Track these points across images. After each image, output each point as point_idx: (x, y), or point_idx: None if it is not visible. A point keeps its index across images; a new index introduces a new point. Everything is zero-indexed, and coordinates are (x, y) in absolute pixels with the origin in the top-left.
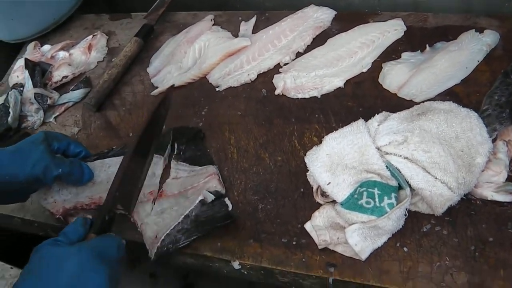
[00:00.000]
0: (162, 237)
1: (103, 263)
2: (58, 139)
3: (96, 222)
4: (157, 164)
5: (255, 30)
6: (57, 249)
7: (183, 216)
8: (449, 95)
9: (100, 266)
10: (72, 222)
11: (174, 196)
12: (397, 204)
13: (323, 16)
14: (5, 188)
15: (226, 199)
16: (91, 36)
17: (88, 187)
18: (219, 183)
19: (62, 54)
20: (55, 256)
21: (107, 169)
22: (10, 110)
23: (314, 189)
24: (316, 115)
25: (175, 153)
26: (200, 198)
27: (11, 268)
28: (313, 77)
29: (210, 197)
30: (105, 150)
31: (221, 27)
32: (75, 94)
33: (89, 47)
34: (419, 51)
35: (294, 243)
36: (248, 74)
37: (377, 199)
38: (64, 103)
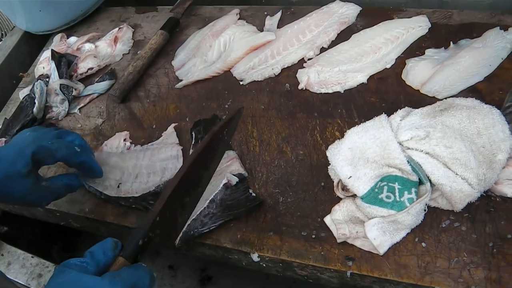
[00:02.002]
0: (189, 222)
1: None
2: (52, 155)
3: (127, 247)
4: None
5: (281, 25)
6: (87, 278)
7: (208, 201)
8: (472, 92)
9: None
10: (101, 242)
11: None
12: (417, 199)
13: (348, 11)
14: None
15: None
16: (117, 28)
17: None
18: (241, 166)
19: (88, 46)
20: (85, 286)
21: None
22: (35, 100)
23: (335, 183)
24: (339, 110)
25: (193, 142)
26: (224, 181)
27: (32, 257)
28: (337, 72)
29: (234, 179)
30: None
31: (246, 21)
32: (100, 86)
33: (115, 40)
34: (443, 48)
35: (313, 236)
36: (272, 68)
37: (397, 194)
38: (89, 95)
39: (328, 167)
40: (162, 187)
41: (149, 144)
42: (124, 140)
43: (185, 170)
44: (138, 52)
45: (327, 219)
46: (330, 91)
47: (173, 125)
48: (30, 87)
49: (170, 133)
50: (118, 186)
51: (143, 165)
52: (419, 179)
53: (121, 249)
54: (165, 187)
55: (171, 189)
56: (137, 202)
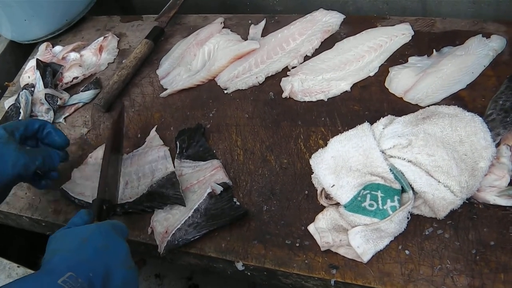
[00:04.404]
0: (173, 231)
1: (121, 237)
2: (17, 128)
3: (96, 212)
4: None
5: (265, 33)
6: (77, 228)
7: (192, 210)
8: (454, 99)
9: (120, 238)
10: (76, 215)
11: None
12: (400, 207)
13: (331, 20)
14: None
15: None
16: (102, 37)
17: None
18: (225, 175)
19: (73, 55)
20: (79, 231)
21: None
22: (20, 110)
23: (318, 191)
24: (323, 118)
25: (177, 152)
26: (208, 190)
27: (18, 267)
28: (320, 80)
29: (219, 188)
30: None
31: (230, 30)
32: (85, 95)
33: (100, 49)
34: (426, 55)
35: (297, 244)
36: (256, 77)
37: (380, 202)
38: (74, 104)
39: (312, 175)
40: (155, 186)
41: (134, 151)
42: None
43: (108, 157)
44: (123, 61)
45: (311, 228)
46: (314, 100)
47: (154, 128)
48: (15, 96)
49: (153, 137)
50: None
51: (131, 171)
52: (401, 187)
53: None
54: (101, 167)
55: (105, 168)
56: (133, 207)
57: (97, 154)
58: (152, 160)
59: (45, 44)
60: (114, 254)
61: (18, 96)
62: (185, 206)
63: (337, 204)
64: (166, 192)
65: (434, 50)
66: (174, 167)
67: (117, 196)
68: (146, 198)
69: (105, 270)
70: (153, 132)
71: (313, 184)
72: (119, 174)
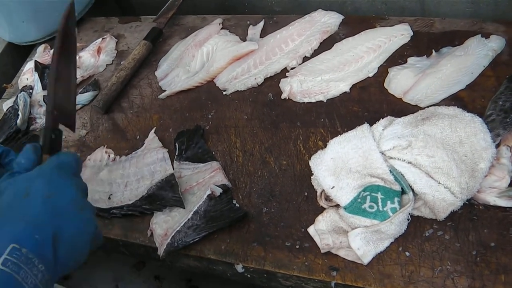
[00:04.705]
0: (173, 234)
1: (68, 177)
2: None
3: (44, 144)
4: None
5: (263, 34)
6: (18, 177)
7: (192, 212)
8: (454, 100)
9: (67, 179)
10: (21, 151)
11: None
12: (400, 209)
13: (330, 20)
14: None
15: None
16: (100, 39)
17: None
18: (225, 177)
19: None
20: (19, 184)
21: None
22: (19, 112)
23: (318, 193)
24: (322, 119)
25: (176, 154)
26: (208, 192)
27: None
28: (319, 81)
29: (218, 190)
30: None
31: (229, 31)
32: (83, 97)
33: (98, 50)
34: (425, 56)
35: (297, 246)
36: (255, 78)
37: (380, 204)
38: None
39: (311, 177)
40: (154, 188)
41: (133, 153)
42: (106, 152)
43: (55, 72)
44: (122, 63)
45: (311, 230)
46: (313, 101)
47: (153, 130)
48: (13, 98)
49: (152, 139)
50: (109, 198)
51: (130, 173)
52: (401, 188)
53: (42, 150)
54: (48, 82)
55: (52, 88)
56: (132, 209)
57: (96, 156)
58: (151, 162)
59: (43, 45)
60: (63, 200)
61: (16, 98)
62: (184, 208)
63: (337, 205)
64: (165, 194)
65: (433, 51)
66: (173, 169)
67: (74, 101)
68: (145, 200)
69: (54, 225)
70: (151, 134)
71: (313, 186)
72: (74, 78)
